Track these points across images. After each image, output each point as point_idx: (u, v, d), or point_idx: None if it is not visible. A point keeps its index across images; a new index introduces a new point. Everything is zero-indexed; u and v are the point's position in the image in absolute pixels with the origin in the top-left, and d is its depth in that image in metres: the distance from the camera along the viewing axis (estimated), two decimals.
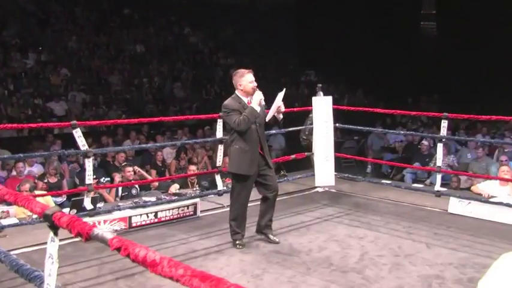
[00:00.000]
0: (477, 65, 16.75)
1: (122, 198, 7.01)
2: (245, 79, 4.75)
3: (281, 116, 4.94)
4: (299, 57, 20.77)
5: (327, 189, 7.29)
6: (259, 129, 4.80)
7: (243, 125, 4.62)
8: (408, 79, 18.05)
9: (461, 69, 17.14)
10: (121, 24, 17.98)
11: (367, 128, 8.02)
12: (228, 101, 4.78)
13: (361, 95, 18.83)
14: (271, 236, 5.09)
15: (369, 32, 19.00)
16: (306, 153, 7.19)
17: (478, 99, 14.60)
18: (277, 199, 6.71)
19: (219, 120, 6.10)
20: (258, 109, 4.65)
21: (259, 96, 4.67)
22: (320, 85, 7.10)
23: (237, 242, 4.92)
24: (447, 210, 6.14)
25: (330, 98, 6.65)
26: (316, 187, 7.25)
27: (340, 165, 10.87)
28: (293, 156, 7.08)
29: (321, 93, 6.98)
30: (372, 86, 17.94)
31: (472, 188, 6.74)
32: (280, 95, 4.79)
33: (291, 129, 7.44)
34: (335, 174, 6.97)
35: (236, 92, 4.82)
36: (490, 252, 4.75)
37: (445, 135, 6.23)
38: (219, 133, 6.21)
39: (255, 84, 4.75)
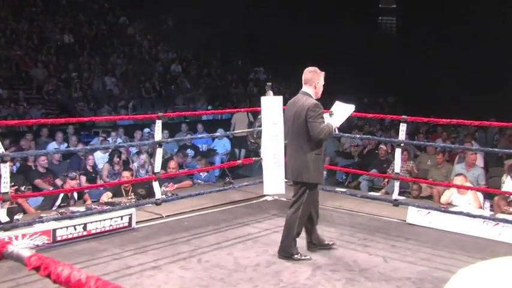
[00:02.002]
0: (440, 65, 17.40)
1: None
2: (322, 80, 4.84)
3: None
4: (248, 52, 20.88)
5: (276, 197, 7.31)
6: None
7: (327, 135, 4.71)
8: (365, 78, 18.49)
9: (421, 68, 17.75)
10: (45, 9, 17.43)
11: None
12: (314, 101, 4.74)
13: None
14: (326, 242, 5.24)
15: (324, 26, 19.33)
16: (253, 158, 7.17)
17: (439, 102, 15.18)
18: (221, 209, 6.84)
19: (157, 121, 6.00)
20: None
21: (350, 110, 4.83)
22: (269, 83, 7.12)
23: (303, 257, 4.94)
24: (405, 221, 6.28)
25: (280, 98, 6.68)
26: (264, 195, 7.26)
27: None
28: (239, 161, 7.07)
29: (271, 92, 7.00)
30: (326, 85, 18.20)
31: (442, 199, 6.95)
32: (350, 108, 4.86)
33: (237, 131, 7.42)
34: (285, 181, 6.99)
35: (307, 89, 4.84)
36: (449, 265, 4.90)
37: (404, 139, 6.38)
38: (158, 135, 6.11)
39: None
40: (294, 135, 4.85)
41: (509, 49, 16.70)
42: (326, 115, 4.83)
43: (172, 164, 8.29)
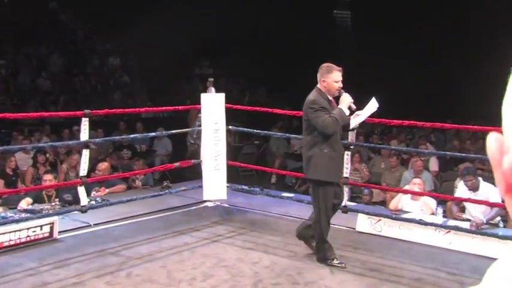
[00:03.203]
0: (396, 61, 17.68)
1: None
2: (332, 76, 4.90)
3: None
4: (193, 45, 20.62)
5: (217, 203, 7.23)
6: (342, 137, 5.07)
7: (330, 127, 4.76)
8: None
9: (379, 64, 17.98)
10: None
11: (265, 132, 8.05)
12: (315, 96, 4.90)
13: (264, 93, 19.09)
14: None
15: (276, 18, 19.33)
16: (192, 161, 7.06)
17: (398, 101, 15.45)
18: (157, 216, 6.68)
19: (83, 119, 5.77)
20: (348, 112, 4.86)
21: (349, 99, 4.86)
22: (211, 79, 7.05)
23: (336, 262, 5.08)
24: (355, 229, 6.28)
25: (222, 95, 6.57)
26: (204, 201, 7.17)
27: (238, 175, 10.90)
28: (177, 164, 6.92)
29: (212, 88, 6.91)
30: (278, 83, 18.26)
31: (391, 205, 6.99)
32: (375, 103, 4.96)
33: (177, 131, 7.26)
34: (227, 186, 6.90)
35: (318, 86, 4.96)
36: (399, 277, 4.91)
37: (354, 141, 6.38)
38: (84, 135, 5.88)
39: (341, 85, 4.91)
40: (303, 132, 5.12)
41: (470, 43, 17.22)
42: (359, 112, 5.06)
43: (102, 166, 8.03)
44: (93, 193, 7.45)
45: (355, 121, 5.12)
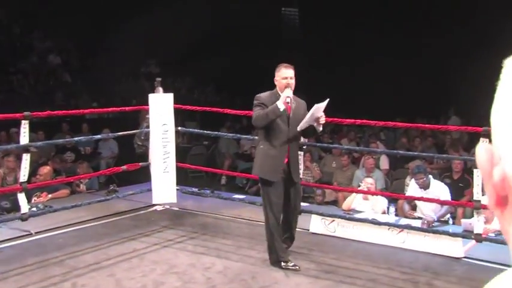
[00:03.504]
0: (349, 58, 17.87)
1: None
2: (279, 74, 5.08)
3: (320, 128, 5.19)
4: (139, 43, 20.33)
5: (167, 207, 7.15)
6: (290, 135, 5.02)
7: (259, 120, 4.94)
8: (270, 72, 18.71)
9: (329, 62, 18.14)
10: None
11: (215, 133, 7.96)
12: (263, 93, 5.13)
13: (213, 91, 19.01)
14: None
15: (223, 16, 19.26)
16: (140, 164, 6.93)
17: (347, 100, 15.65)
18: (103, 221, 6.53)
19: (23, 121, 5.57)
20: (282, 107, 4.90)
21: (286, 93, 4.96)
22: (159, 79, 6.94)
23: (290, 265, 5.08)
24: (309, 230, 6.29)
25: (170, 96, 6.46)
26: (153, 205, 7.08)
27: (187, 177, 10.79)
28: (124, 167, 6.77)
29: (160, 88, 6.83)
30: (227, 81, 18.20)
31: (344, 205, 7.03)
32: (322, 105, 4.98)
33: (124, 132, 7.11)
34: (177, 189, 6.81)
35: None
36: (354, 278, 4.94)
37: (306, 141, 6.38)
38: (25, 138, 5.66)
39: (290, 81, 5.02)
40: None
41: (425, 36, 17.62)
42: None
43: (44, 170, 7.78)
44: (33, 199, 7.22)
45: (301, 124, 5.07)
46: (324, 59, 18.72)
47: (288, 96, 4.96)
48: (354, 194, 7.11)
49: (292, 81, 5.04)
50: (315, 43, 19.67)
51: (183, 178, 8.32)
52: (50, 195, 7.31)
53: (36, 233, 5.91)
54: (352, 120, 6.27)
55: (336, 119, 6.58)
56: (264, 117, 4.88)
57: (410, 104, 15.30)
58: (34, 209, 6.24)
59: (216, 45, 18.64)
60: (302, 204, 6.63)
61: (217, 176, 11.61)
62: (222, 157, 12.72)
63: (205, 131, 7.39)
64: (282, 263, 5.08)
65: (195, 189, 7.74)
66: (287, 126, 5.02)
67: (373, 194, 6.79)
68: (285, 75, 5.03)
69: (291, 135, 5.05)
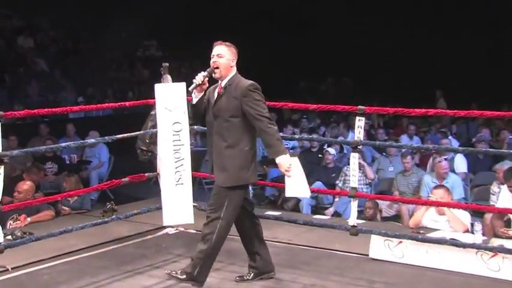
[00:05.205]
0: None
1: None
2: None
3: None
4: (135, 21, 20.50)
5: (181, 229, 7.20)
6: (215, 125, 5.32)
7: None
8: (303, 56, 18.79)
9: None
10: None
11: None
12: None
13: None
14: None
15: None
16: (146, 174, 6.91)
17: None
18: (100, 251, 6.55)
19: None
20: (193, 96, 5.32)
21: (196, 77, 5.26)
22: (166, 64, 6.97)
23: None
24: (368, 255, 6.25)
25: (182, 85, 6.41)
26: (164, 227, 7.09)
27: (203, 189, 10.76)
28: (126, 179, 6.77)
29: (168, 76, 6.84)
30: (249, 63, 18.28)
31: (411, 222, 6.95)
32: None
33: (124, 135, 7.08)
34: (194, 206, 6.75)
35: None
36: None
37: (362, 139, 6.30)
38: None
39: (216, 59, 5.29)
40: None
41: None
42: None
43: (23, 186, 7.81)
44: (9, 224, 7.27)
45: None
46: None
47: (195, 80, 5.26)
48: (424, 207, 7.00)
49: (221, 60, 5.27)
50: None
51: (198, 191, 8.30)
52: (29, 219, 7.38)
53: (13, 268, 5.93)
54: (423, 111, 6.15)
55: (399, 108, 6.47)
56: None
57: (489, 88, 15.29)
58: (10, 237, 6.26)
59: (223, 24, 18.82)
60: (358, 221, 6.58)
61: None
62: None
63: None
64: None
65: None
66: (213, 116, 5.35)
67: (450, 206, 6.67)
68: (212, 52, 5.33)
69: (217, 126, 5.34)
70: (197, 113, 5.46)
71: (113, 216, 7.02)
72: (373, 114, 12.08)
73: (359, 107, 6.26)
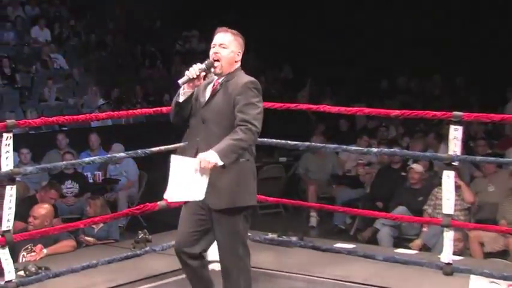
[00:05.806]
0: None
1: None
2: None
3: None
4: (171, 9, 20.73)
5: None
6: (202, 130, 5.14)
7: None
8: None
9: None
10: None
11: (303, 144, 7.84)
12: None
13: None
14: None
15: None
16: None
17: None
18: None
19: (5, 135, 5.78)
20: (181, 92, 5.15)
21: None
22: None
23: None
24: None
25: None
26: (209, 262, 6.91)
27: (256, 215, 10.76)
28: (162, 202, 6.81)
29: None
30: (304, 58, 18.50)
31: None
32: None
33: (156, 149, 7.16)
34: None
35: None
36: None
37: (458, 153, 6.23)
38: (8, 161, 5.83)
39: (217, 50, 5.13)
40: None
41: None
42: None
43: (40, 210, 7.91)
44: (22, 256, 7.35)
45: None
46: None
47: (186, 73, 5.10)
48: None
49: (223, 52, 5.11)
50: None
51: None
52: (46, 250, 7.45)
53: None
54: None
55: (499, 115, 6.40)
56: (172, 108, 5.35)
57: None
58: (22, 272, 6.33)
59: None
60: (454, 257, 6.51)
61: (303, 212, 11.55)
62: (309, 181, 12.65)
63: (288, 141, 7.32)
64: None
65: (271, 236, 7.82)
66: (201, 119, 5.18)
67: None
68: (214, 41, 5.18)
69: (205, 131, 5.13)
70: (180, 114, 5.24)
71: (147, 248, 7.12)
72: (473, 122, 11.78)
73: (454, 113, 6.21)
